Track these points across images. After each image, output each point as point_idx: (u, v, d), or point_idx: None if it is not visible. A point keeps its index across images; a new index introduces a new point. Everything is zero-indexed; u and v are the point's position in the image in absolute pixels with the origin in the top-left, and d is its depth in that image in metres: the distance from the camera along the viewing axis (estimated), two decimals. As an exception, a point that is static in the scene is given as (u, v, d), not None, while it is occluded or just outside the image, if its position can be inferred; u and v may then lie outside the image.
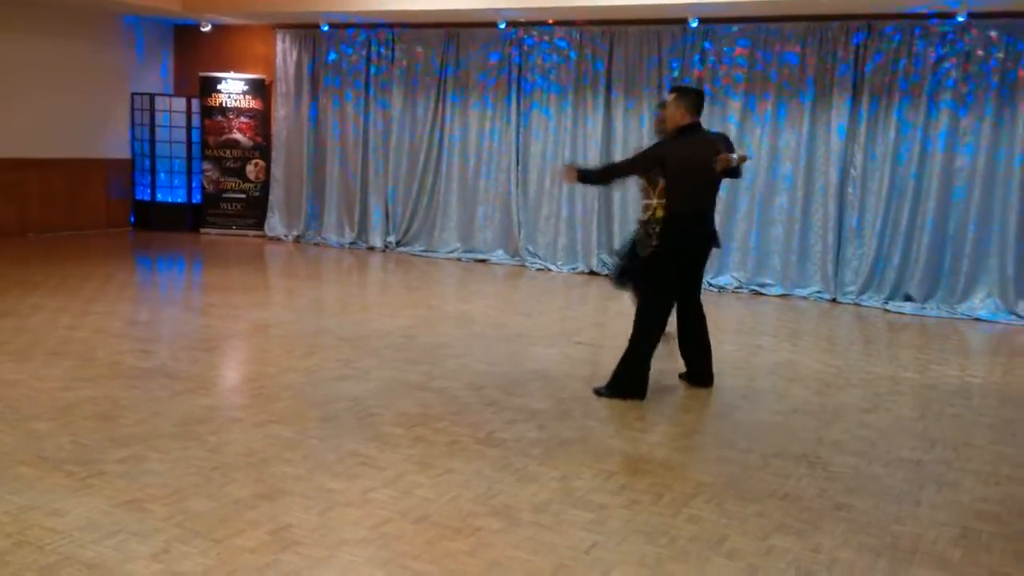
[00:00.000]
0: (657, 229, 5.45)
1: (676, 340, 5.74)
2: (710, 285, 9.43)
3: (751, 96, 9.56)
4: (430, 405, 5.09)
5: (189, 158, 12.52)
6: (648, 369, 5.39)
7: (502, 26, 10.56)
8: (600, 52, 10.27)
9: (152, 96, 12.38)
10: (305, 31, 11.84)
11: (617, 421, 5.03)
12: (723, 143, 5.35)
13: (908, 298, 8.97)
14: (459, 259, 11.15)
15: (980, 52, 8.59)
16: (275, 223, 12.31)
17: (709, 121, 7.58)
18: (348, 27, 11.54)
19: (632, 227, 7.53)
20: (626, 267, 6.43)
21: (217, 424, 4.59)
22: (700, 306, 5.61)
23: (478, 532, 3.47)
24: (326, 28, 11.57)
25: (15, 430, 4.37)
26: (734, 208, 9.63)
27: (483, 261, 11.02)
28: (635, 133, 10.09)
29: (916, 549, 3.50)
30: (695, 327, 5.61)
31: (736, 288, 9.65)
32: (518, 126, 10.81)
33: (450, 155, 11.23)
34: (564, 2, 9.37)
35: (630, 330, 5.39)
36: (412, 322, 7.36)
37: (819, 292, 9.36)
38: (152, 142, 12.41)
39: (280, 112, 12.12)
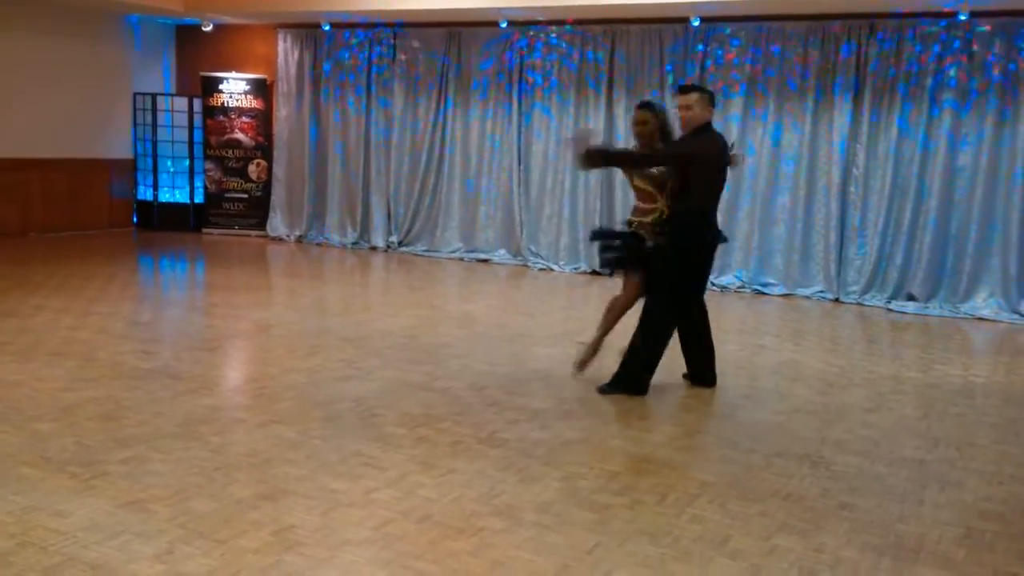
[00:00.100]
0: (667, 229, 5.31)
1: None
2: (712, 285, 9.42)
3: (753, 95, 9.55)
4: (433, 405, 5.09)
5: (191, 158, 12.53)
6: (653, 369, 5.39)
7: (503, 25, 10.56)
8: (602, 51, 10.26)
9: (154, 96, 12.39)
10: (306, 31, 11.84)
11: (620, 421, 5.03)
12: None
13: (911, 298, 8.96)
14: (461, 259, 11.14)
15: (982, 50, 8.58)
16: (277, 223, 12.31)
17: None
18: (349, 27, 11.54)
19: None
20: (619, 256, 6.11)
21: (220, 425, 4.59)
22: (704, 306, 5.60)
23: (481, 532, 3.46)
24: (327, 28, 11.57)
25: (18, 431, 4.37)
26: (736, 207, 9.60)
27: (485, 261, 11.02)
28: (636, 132, 10.07)
29: (920, 549, 3.50)
30: (698, 327, 5.60)
31: (739, 288, 9.65)
32: (520, 125, 10.79)
33: (452, 155, 11.22)
34: (565, 1, 9.36)
35: (633, 330, 5.39)
36: (414, 322, 7.36)
37: (822, 292, 9.35)
38: (154, 142, 12.42)
39: (282, 112, 12.13)
